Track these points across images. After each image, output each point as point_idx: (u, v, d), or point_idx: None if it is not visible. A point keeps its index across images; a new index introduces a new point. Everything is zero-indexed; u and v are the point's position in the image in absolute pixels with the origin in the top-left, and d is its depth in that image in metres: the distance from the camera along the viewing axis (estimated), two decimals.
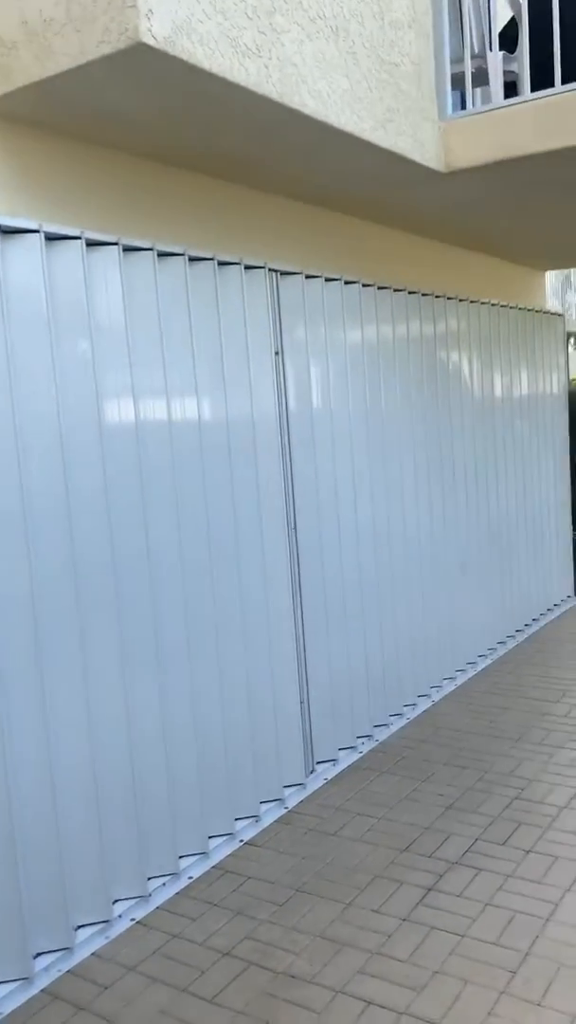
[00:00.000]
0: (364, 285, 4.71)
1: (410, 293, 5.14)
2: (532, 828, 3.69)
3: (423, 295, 5.28)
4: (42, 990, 2.88)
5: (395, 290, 4.99)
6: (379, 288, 4.85)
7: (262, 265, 3.92)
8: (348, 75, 3.35)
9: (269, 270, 4.00)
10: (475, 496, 5.97)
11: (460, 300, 5.74)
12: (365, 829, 3.80)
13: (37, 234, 2.89)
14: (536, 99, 3.80)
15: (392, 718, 5.00)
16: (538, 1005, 2.63)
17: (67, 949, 3.04)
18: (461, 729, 4.84)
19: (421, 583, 5.30)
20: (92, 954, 3.06)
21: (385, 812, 3.94)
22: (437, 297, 5.45)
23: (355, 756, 4.58)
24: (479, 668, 5.90)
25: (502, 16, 4.79)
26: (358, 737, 4.70)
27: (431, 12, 3.97)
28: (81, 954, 3.05)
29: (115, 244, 3.17)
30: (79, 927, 3.16)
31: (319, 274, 4.30)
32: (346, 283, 4.56)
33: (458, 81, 4.45)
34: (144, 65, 2.56)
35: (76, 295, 3.05)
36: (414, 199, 4.52)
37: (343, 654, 4.56)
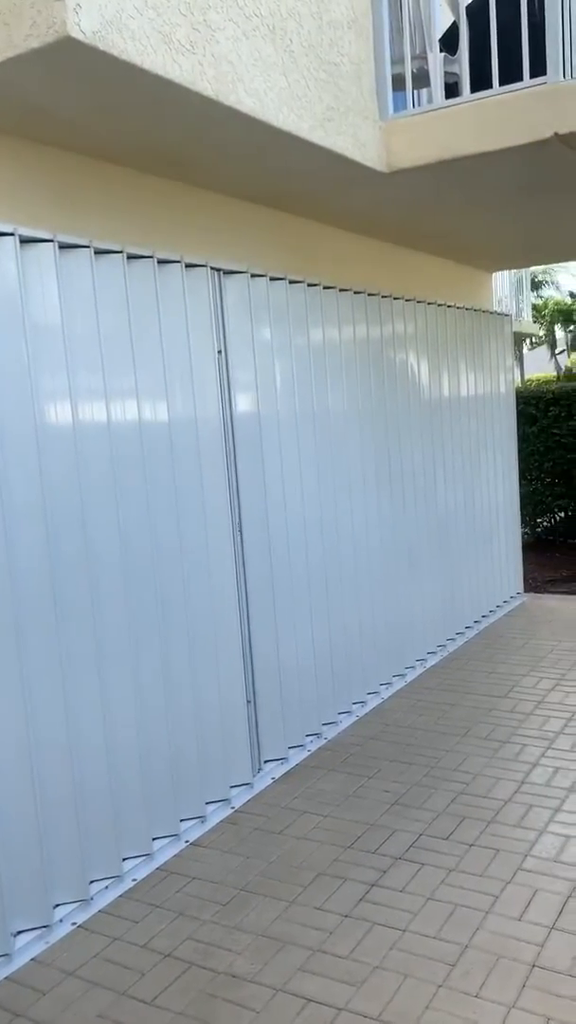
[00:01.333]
0: (310, 285, 4.71)
1: (356, 293, 5.16)
2: (476, 822, 3.73)
3: (369, 295, 5.31)
4: None
5: (341, 290, 5.01)
6: (325, 288, 4.86)
7: (203, 263, 3.90)
8: (286, 74, 3.36)
9: (211, 268, 3.98)
10: (423, 495, 6.02)
11: (407, 300, 5.78)
12: (310, 827, 3.80)
13: None
14: (476, 100, 3.85)
15: (341, 716, 5.02)
16: (476, 997, 2.66)
17: (5, 956, 2.99)
18: (409, 726, 4.88)
19: (370, 581, 5.33)
20: (31, 960, 3.02)
21: (331, 810, 3.95)
22: (384, 297, 5.48)
23: (303, 754, 4.58)
24: (428, 665, 5.95)
25: (442, 18, 4.83)
26: (307, 735, 4.70)
27: (371, 13, 3.99)
28: (20, 960, 3.01)
29: (50, 241, 3.14)
30: (18, 933, 3.11)
31: (264, 273, 4.30)
32: (291, 283, 4.56)
33: (399, 82, 4.48)
34: (73, 60, 2.54)
35: (10, 293, 3.01)
36: (357, 199, 4.54)
37: (291, 653, 4.57)
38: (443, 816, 3.81)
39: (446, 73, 4.54)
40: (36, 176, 3.23)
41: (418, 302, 5.94)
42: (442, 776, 4.20)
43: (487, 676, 5.63)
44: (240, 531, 4.22)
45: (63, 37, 2.40)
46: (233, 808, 4.04)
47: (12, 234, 2.98)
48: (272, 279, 4.41)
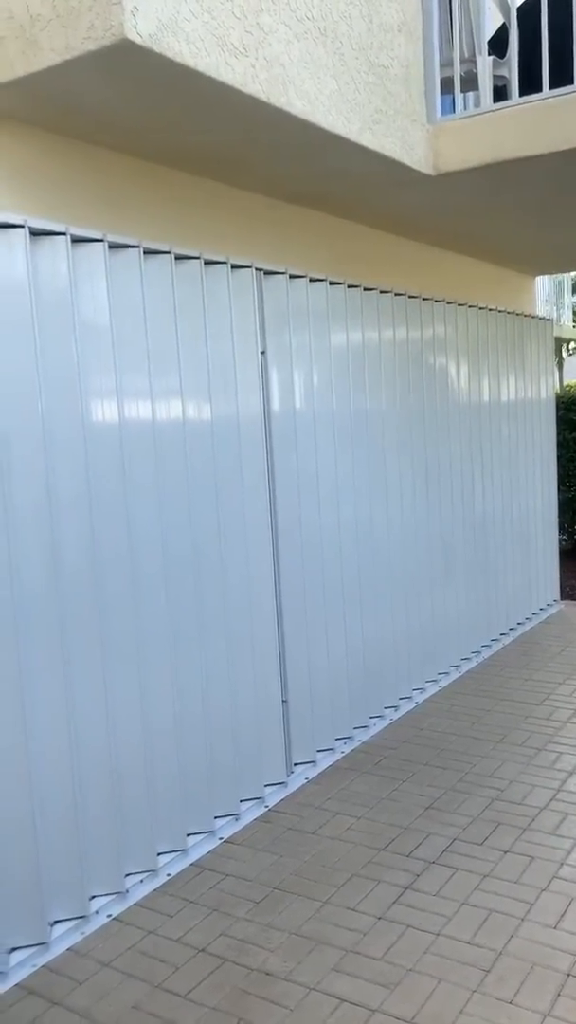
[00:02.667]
0: (350, 286, 4.72)
1: (396, 295, 5.16)
2: (511, 829, 3.71)
3: (410, 297, 5.30)
4: (17, 984, 2.88)
5: (381, 292, 5.01)
6: (365, 290, 4.87)
7: (248, 264, 3.93)
8: (336, 77, 3.37)
9: (255, 269, 4.00)
10: (461, 499, 5.99)
11: (448, 303, 5.76)
12: (344, 828, 3.81)
13: (22, 229, 2.89)
14: (525, 103, 3.83)
15: (373, 720, 5.01)
16: (510, 1003, 2.64)
17: (43, 944, 3.04)
18: (443, 731, 4.86)
19: (405, 585, 5.32)
20: (68, 949, 3.06)
21: (365, 812, 3.95)
22: (424, 300, 5.47)
23: (335, 757, 4.59)
24: (463, 671, 5.92)
25: (492, 21, 4.82)
26: (337, 739, 4.71)
27: (421, 16, 3.99)
28: (57, 949, 3.05)
29: (100, 241, 3.18)
30: (55, 923, 3.16)
31: (303, 274, 4.31)
32: (331, 284, 4.57)
33: (448, 85, 4.47)
34: (129, 62, 2.57)
35: (61, 292, 3.06)
36: (402, 201, 4.54)
37: (323, 654, 4.57)
38: (477, 822, 3.79)
39: (494, 76, 4.52)
40: (86, 176, 3.28)
41: (459, 305, 5.92)
42: (477, 782, 4.18)
43: (523, 683, 5.59)
44: (276, 531, 4.23)
45: (120, 40, 2.43)
46: (267, 807, 4.05)
47: (64, 233, 3.03)
48: (312, 280, 4.42)
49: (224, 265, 3.79)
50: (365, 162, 3.78)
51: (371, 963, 2.88)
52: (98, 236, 3.17)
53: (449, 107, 4.54)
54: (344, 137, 3.43)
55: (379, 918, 3.13)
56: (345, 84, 3.43)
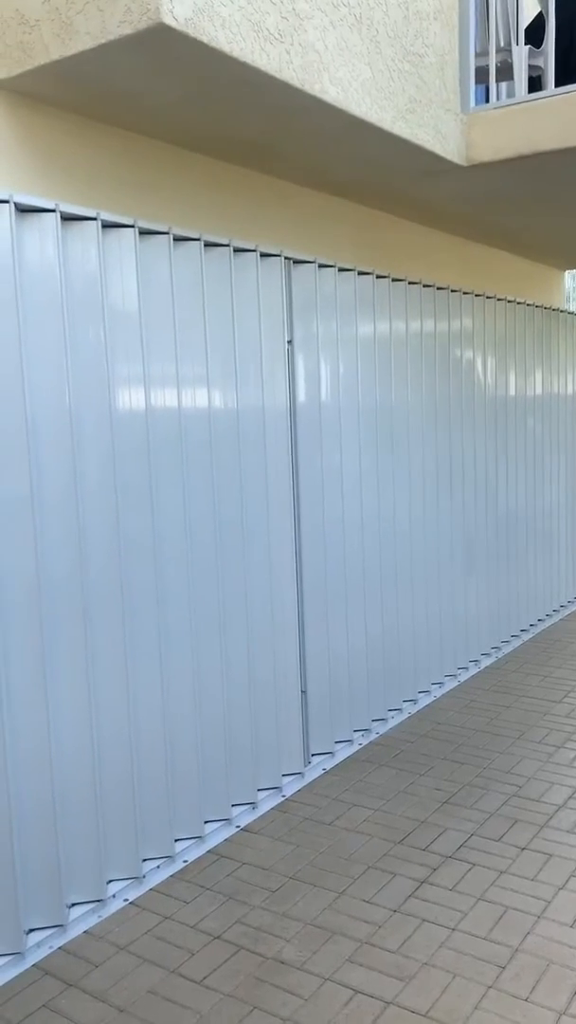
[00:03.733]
0: (378, 276, 4.69)
1: (425, 287, 5.12)
2: (528, 826, 3.69)
3: (438, 289, 5.26)
4: (34, 965, 2.91)
5: (410, 283, 4.97)
6: (394, 280, 4.83)
7: (278, 253, 3.91)
8: (371, 64, 3.34)
9: (284, 258, 3.98)
10: (484, 492, 5.96)
11: (476, 296, 5.71)
12: (361, 820, 3.80)
13: (53, 213, 2.89)
14: (560, 94, 3.78)
15: (391, 713, 5.01)
16: (526, 1001, 2.63)
17: (60, 926, 3.06)
18: (461, 725, 4.84)
19: (426, 578, 5.30)
20: (84, 932, 3.08)
21: (381, 804, 3.94)
22: (453, 291, 5.42)
23: (353, 748, 4.58)
24: (482, 666, 5.89)
25: (528, 10, 4.75)
26: (355, 730, 4.71)
27: (457, 4, 3.94)
28: (73, 932, 3.07)
29: (131, 227, 3.17)
30: (72, 905, 3.18)
31: (332, 263, 4.29)
32: (360, 273, 4.54)
33: (482, 74, 4.42)
34: (164, 47, 2.55)
35: (91, 277, 3.06)
36: (433, 191, 4.50)
37: (342, 646, 4.57)
38: (495, 818, 3.77)
39: (530, 66, 4.46)
40: (117, 161, 3.27)
41: (487, 298, 5.87)
42: (494, 777, 4.16)
43: (543, 680, 5.56)
44: (298, 522, 4.22)
45: (156, 24, 2.42)
46: (284, 796, 4.06)
47: (95, 218, 3.02)
48: (340, 269, 4.40)
49: (253, 253, 3.77)
50: (397, 151, 3.75)
51: (386, 955, 2.88)
52: (129, 222, 3.16)
53: (482, 97, 4.49)
54: (377, 125, 3.40)
55: (395, 911, 3.13)
56: (379, 72, 3.39)
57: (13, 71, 2.76)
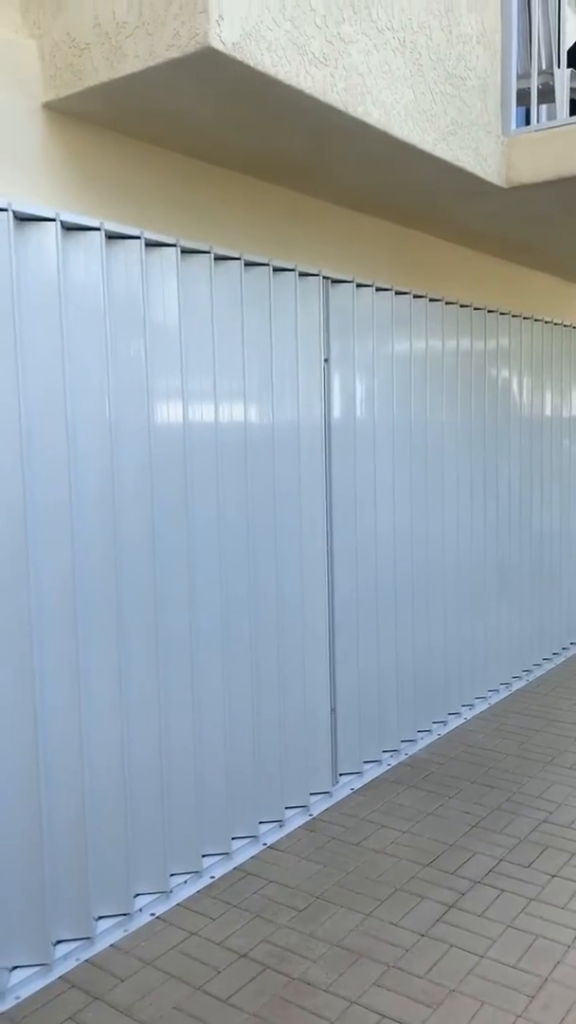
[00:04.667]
0: (416, 296, 4.70)
1: (462, 307, 5.12)
2: (558, 852, 3.64)
3: (475, 309, 5.26)
4: (60, 977, 2.92)
5: (447, 302, 4.98)
6: (431, 300, 4.84)
7: (316, 272, 3.94)
8: (413, 87, 3.36)
9: (323, 278, 4.01)
10: (517, 514, 5.92)
11: (513, 316, 5.70)
12: (388, 841, 3.78)
13: (98, 232, 2.94)
14: None
15: (420, 734, 4.97)
16: None
17: (87, 939, 3.07)
18: (491, 749, 4.79)
19: (458, 599, 5.27)
20: (111, 945, 3.08)
21: (410, 826, 3.91)
22: (490, 312, 5.42)
23: (382, 769, 4.55)
24: (513, 689, 5.83)
25: (571, 34, 4.76)
26: (384, 751, 4.68)
27: (500, 27, 3.96)
28: (100, 945, 3.08)
29: (173, 246, 3.21)
30: (99, 918, 3.18)
31: (370, 282, 4.30)
32: (397, 293, 4.56)
33: (523, 97, 4.43)
34: (211, 69, 2.59)
35: (133, 293, 3.10)
36: (472, 213, 4.50)
37: (374, 665, 4.55)
38: (525, 843, 3.73)
39: (571, 89, 4.47)
40: (160, 180, 3.32)
41: (524, 318, 5.85)
42: (524, 802, 4.11)
43: (574, 704, 5.49)
44: (331, 538, 4.22)
45: (204, 47, 2.46)
46: (311, 815, 4.04)
47: (139, 237, 3.06)
48: (378, 289, 4.41)
49: (292, 272, 3.80)
50: (437, 172, 3.76)
51: (414, 980, 2.85)
52: (171, 241, 3.20)
53: (523, 119, 4.50)
54: (419, 147, 3.42)
55: (422, 935, 3.10)
56: (422, 94, 3.41)
57: (62, 92, 2.81)
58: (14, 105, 2.79)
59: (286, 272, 3.80)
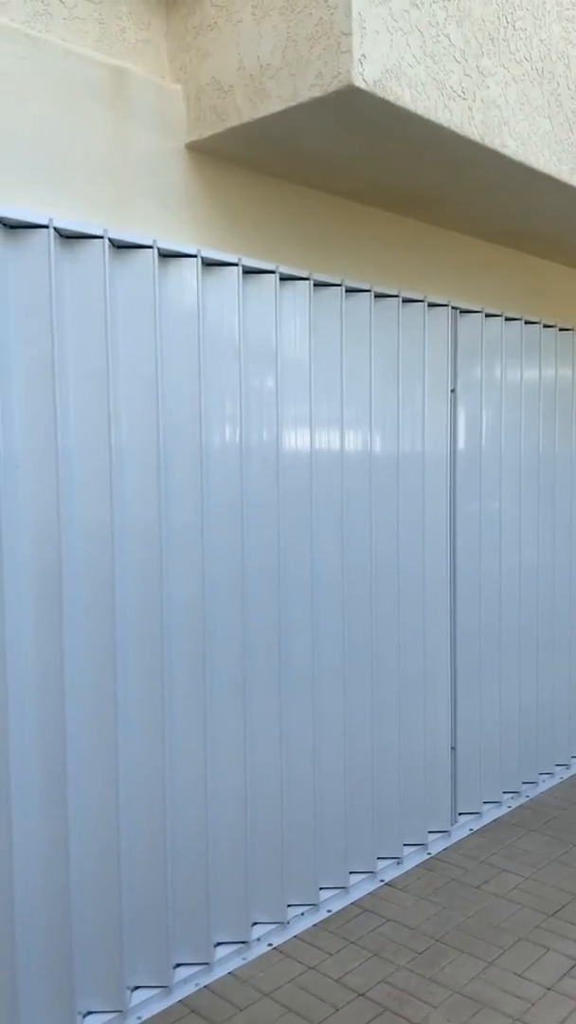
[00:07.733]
0: (545, 326, 4.61)
1: None
2: None
3: None
4: (180, 1001, 2.93)
5: None
6: (561, 330, 4.74)
7: (445, 303, 3.92)
8: (550, 117, 3.32)
9: (451, 308, 3.99)
10: None
11: None
12: (511, 887, 3.65)
13: (236, 267, 3.02)
14: None
15: (542, 776, 4.80)
16: None
17: (206, 964, 3.08)
18: None
19: None
20: (229, 973, 3.08)
21: (532, 872, 3.77)
22: None
23: (502, 810, 4.41)
24: None
25: None
26: (505, 792, 4.53)
27: None
28: (219, 971, 3.08)
29: (306, 279, 3.27)
30: (218, 944, 3.19)
31: (499, 312, 4.25)
32: (527, 323, 4.48)
33: None
34: (351, 107, 2.64)
35: (266, 325, 3.16)
36: None
37: (496, 704, 4.43)
38: None
39: None
40: (292, 215, 3.38)
41: None
42: None
43: None
44: (454, 573, 4.16)
45: (346, 86, 2.50)
46: (429, 854, 3.95)
47: (274, 271, 3.13)
48: (507, 319, 4.35)
49: (421, 303, 3.80)
50: (571, 202, 3.70)
51: None
52: (304, 275, 3.25)
53: None
54: (555, 177, 3.37)
55: (548, 988, 2.97)
56: (559, 124, 3.37)
57: (204, 133, 2.92)
58: (160, 146, 2.91)
59: (415, 303, 3.79)
